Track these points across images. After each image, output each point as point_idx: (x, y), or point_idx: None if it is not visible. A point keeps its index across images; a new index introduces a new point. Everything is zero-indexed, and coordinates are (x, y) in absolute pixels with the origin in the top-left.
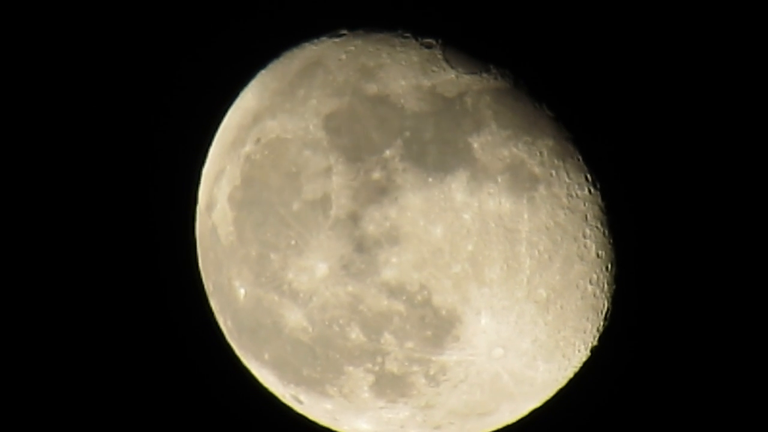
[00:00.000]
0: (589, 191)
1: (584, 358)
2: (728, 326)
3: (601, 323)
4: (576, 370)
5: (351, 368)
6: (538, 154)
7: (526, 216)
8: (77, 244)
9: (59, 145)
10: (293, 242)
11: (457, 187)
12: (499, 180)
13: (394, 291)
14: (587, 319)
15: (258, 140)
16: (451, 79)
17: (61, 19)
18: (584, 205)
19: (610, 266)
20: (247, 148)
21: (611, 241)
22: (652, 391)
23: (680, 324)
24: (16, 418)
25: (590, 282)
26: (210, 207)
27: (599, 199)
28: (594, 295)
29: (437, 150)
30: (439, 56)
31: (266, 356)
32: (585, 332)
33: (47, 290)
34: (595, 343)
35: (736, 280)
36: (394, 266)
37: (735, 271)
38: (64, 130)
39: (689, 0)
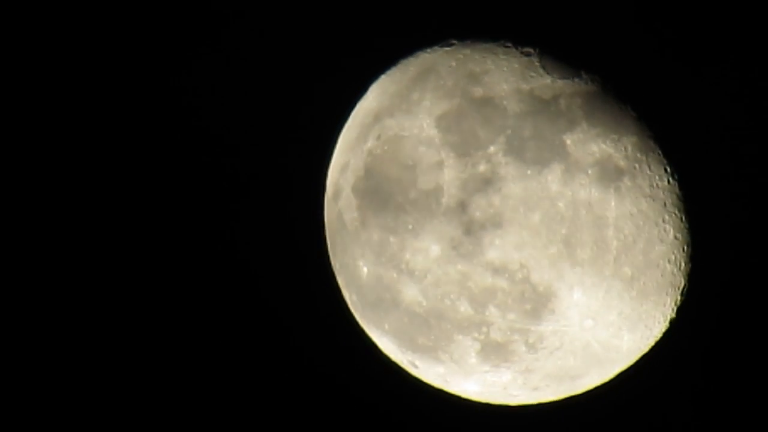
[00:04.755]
0: (668, 182)
1: (664, 329)
2: None
3: (679, 298)
4: (657, 339)
5: (460, 337)
6: (623, 149)
7: (613, 204)
8: (223, 230)
9: (215, 140)
10: (410, 227)
11: (552, 179)
12: (590, 172)
13: (498, 269)
14: (666, 294)
15: (379, 137)
16: (547, 83)
17: (205, 23)
18: (664, 194)
19: (686, 247)
20: (369, 143)
21: (687, 225)
22: (724, 357)
23: (750, 299)
24: (138, 394)
25: (669, 261)
26: (336, 196)
27: (677, 189)
28: (672, 273)
29: (535, 146)
30: (537, 63)
31: (386, 326)
32: (664, 306)
33: (190, 272)
34: (673, 315)
35: None
36: (497, 247)
37: None
38: (220, 130)
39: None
